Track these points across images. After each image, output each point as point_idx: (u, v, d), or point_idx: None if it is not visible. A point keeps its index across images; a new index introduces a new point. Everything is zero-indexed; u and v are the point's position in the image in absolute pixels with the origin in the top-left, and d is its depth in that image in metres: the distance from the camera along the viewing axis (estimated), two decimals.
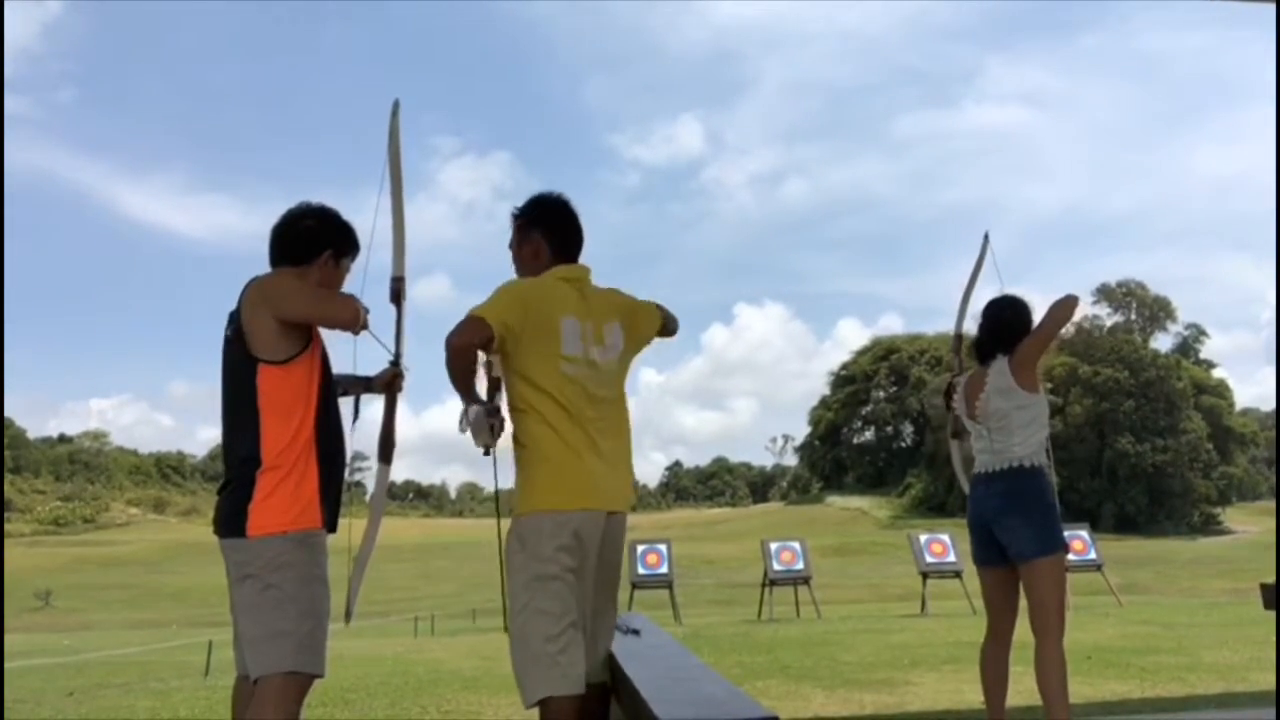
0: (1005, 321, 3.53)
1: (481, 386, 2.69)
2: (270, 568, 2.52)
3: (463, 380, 2.60)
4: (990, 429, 3.47)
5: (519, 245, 2.86)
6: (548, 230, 2.82)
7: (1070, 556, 14.60)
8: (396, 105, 3.19)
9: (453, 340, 2.53)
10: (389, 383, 3.01)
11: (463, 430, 2.66)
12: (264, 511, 2.54)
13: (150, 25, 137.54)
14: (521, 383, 2.62)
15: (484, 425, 2.63)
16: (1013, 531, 3.37)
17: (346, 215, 2.91)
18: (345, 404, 2.87)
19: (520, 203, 2.89)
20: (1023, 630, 3.48)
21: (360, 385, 2.99)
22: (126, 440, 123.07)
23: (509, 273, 2.88)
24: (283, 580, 2.53)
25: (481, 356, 2.65)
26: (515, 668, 2.53)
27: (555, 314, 2.65)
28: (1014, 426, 3.42)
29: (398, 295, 2.99)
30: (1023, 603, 3.46)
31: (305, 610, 2.55)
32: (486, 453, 2.73)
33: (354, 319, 2.69)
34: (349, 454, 2.81)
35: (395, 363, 3.00)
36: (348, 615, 2.77)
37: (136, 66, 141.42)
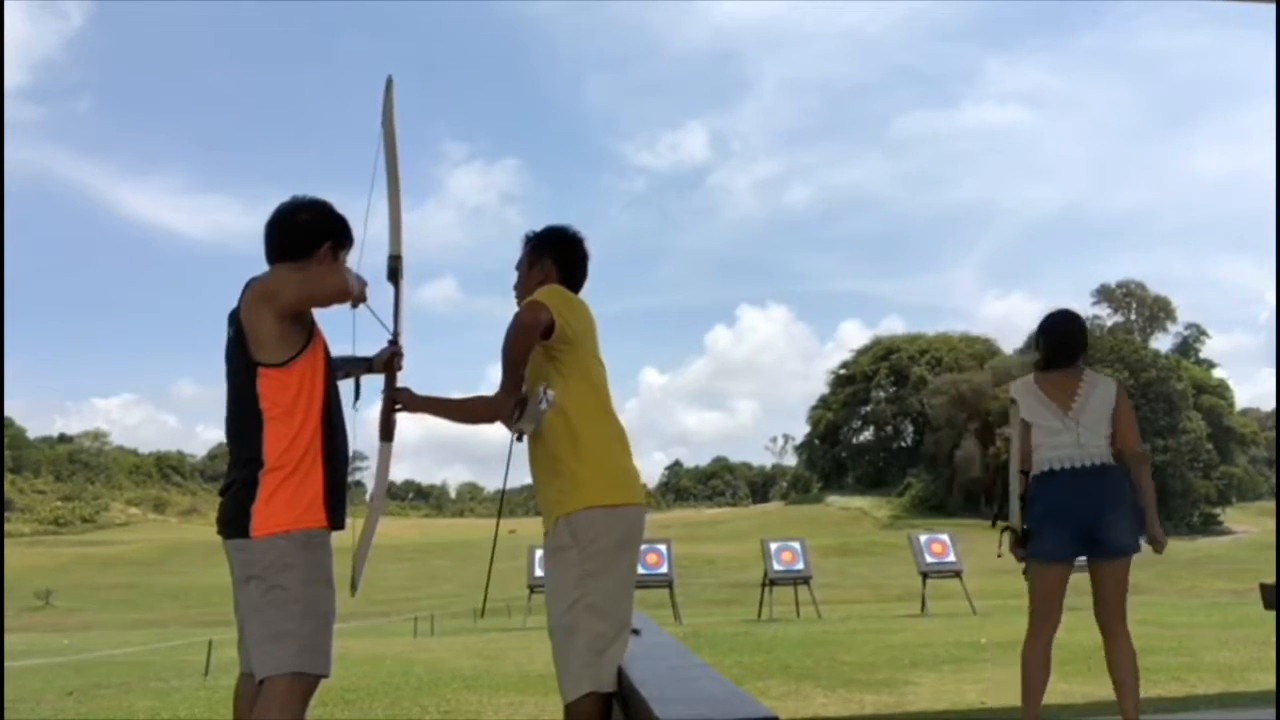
0: (1074, 335, 3.81)
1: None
2: (274, 568, 2.52)
3: (521, 359, 2.65)
4: (1081, 424, 3.59)
5: (528, 267, 2.93)
6: (558, 260, 2.91)
7: None
8: (390, 82, 3.14)
9: (523, 317, 2.60)
10: (388, 362, 3.01)
11: (519, 426, 2.64)
12: (267, 512, 2.54)
13: (160, 30, 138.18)
14: (570, 378, 2.67)
15: (538, 413, 2.65)
16: (1114, 526, 3.48)
17: (349, 216, 2.90)
18: (346, 385, 2.86)
19: (537, 226, 2.99)
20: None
21: (360, 366, 2.97)
22: (133, 441, 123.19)
23: (514, 276, 2.95)
24: (287, 581, 2.52)
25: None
26: (558, 663, 2.55)
27: (589, 318, 2.80)
28: (1103, 427, 3.58)
29: (395, 273, 2.98)
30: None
31: (310, 611, 2.54)
32: (520, 438, 2.74)
33: (343, 287, 2.66)
34: (350, 452, 2.81)
35: (394, 341, 3.00)
36: (353, 587, 2.78)
37: (145, 71, 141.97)
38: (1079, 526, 3.52)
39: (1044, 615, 3.59)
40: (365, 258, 2.91)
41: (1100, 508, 3.50)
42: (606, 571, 2.55)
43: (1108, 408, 3.60)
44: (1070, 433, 3.58)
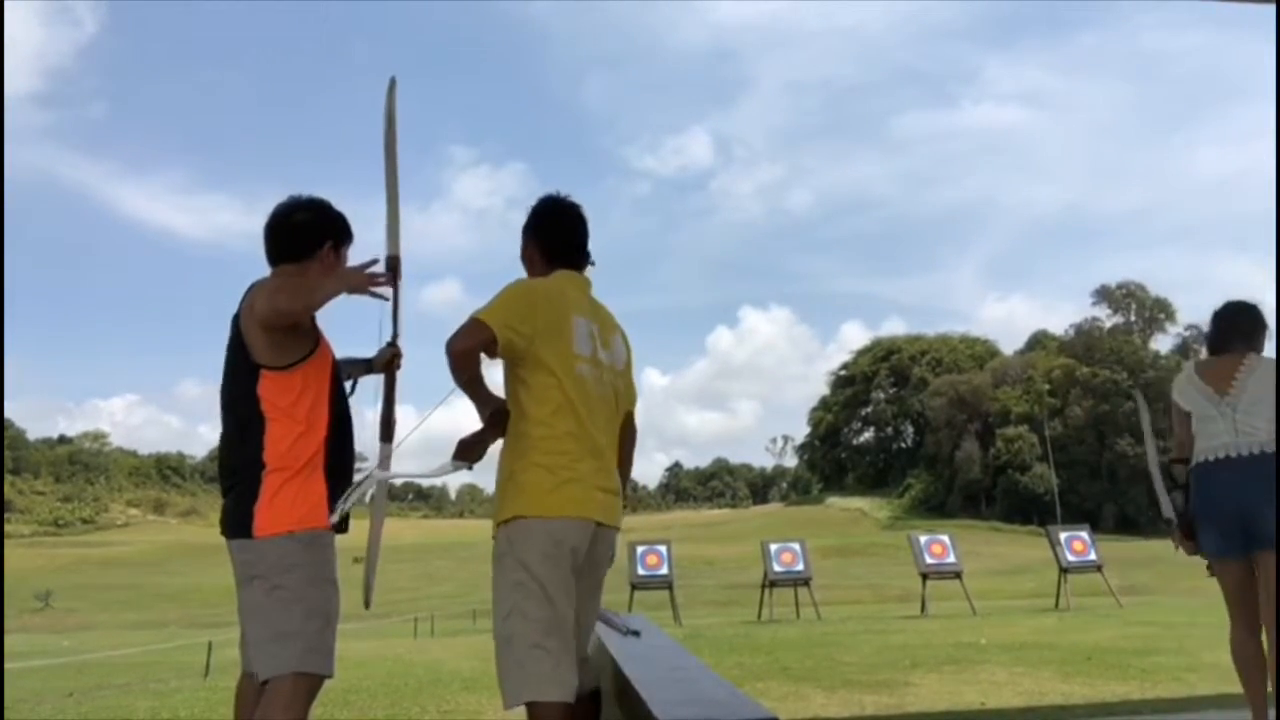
0: (1242, 318, 3.57)
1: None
2: (277, 568, 2.51)
3: (470, 386, 2.55)
4: (1239, 409, 3.36)
5: (522, 249, 2.82)
6: (541, 237, 2.77)
7: (1070, 557, 14.62)
8: (393, 83, 3.12)
9: (453, 346, 2.46)
10: (388, 362, 3.00)
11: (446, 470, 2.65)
12: (270, 512, 2.53)
13: (168, 34, 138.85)
14: (532, 381, 2.55)
15: (461, 464, 2.66)
16: (1269, 518, 3.22)
17: (350, 216, 2.89)
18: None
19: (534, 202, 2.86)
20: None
21: (360, 367, 2.96)
22: (136, 442, 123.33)
23: (517, 276, 2.85)
24: (290, 581, 2.51)
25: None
26: (499, 670, 2.49)
27: (566, 311, 2.60)
28: (1265, 410, 3.32)
29: (394, 274, 2.96)
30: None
31: (313, 610, 2.53)
32: (470, 466, 2.71)
33: (301, 307, 2.54)
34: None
35: (393, 342, 2.99)
36: (366, 602, 2.77)
37: (154, 75, 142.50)
38: (1237, 520, 3.27)
39: (1235, 613, 3.38)
40: (369, 257, 2.90)
41: (1258, 498, 3.23)
42: (538, 579, 2.45)
43: (1269, 389, 3.31)
44: (1226, 419, 3.34)
